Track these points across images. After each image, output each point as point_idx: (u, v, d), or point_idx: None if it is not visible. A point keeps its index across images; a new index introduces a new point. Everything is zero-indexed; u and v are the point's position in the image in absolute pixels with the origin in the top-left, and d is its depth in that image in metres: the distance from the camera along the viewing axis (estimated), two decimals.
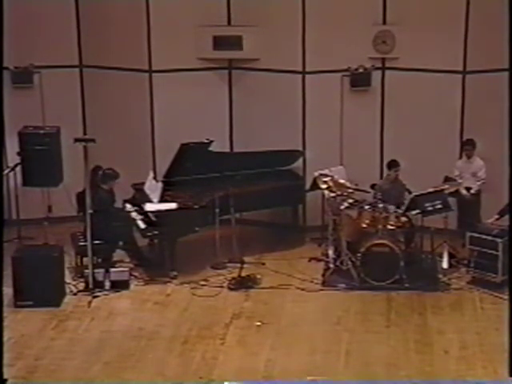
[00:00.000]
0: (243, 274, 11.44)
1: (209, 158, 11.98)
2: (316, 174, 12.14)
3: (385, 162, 12.39)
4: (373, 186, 12.07)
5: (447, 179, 11.95)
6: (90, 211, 10.92)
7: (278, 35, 12.65)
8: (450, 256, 11.75)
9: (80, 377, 9.07)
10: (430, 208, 11.27)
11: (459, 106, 12.47)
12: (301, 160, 12.91)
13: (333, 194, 11.67)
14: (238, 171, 11.98)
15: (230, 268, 11.76)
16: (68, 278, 11.32)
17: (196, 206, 11.54)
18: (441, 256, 11.69)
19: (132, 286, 11.27)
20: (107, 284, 11.09)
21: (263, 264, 11.94)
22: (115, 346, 9.73)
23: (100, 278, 11.08)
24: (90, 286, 11.04)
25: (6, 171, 12.29)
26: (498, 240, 10.91)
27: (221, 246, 11.88)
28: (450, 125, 12.53)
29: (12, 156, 12.26)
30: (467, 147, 12.14)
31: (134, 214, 11.80)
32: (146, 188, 11.87)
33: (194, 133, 12.04)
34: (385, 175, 12.34)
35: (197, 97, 12.90)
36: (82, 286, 11.16)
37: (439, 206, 11.34)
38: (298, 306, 10.74)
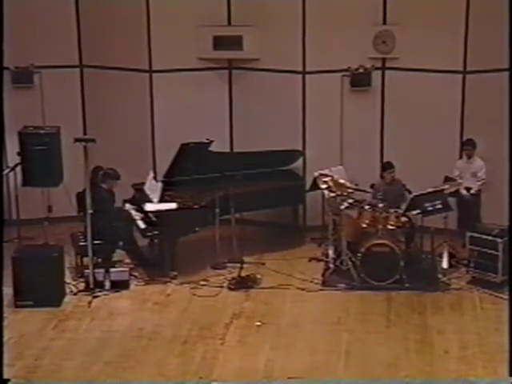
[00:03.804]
0: (243, 274, 11.45)
1: (209, 157, 11.98)
2: (316, 174, 12.14)
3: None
4: (372, 186, 12.08)
5: (447, 179, 11.94)
6: (90, 211, 10.93)
7: (278, 35, 12.65)
8: (450, 256, 11.74)
9: (80, 377, 9.08)
10: (430, 208, 11.26)
11: (459, 106, 12.46)
12: (301, 160, 12.92)
13: (333, 194, 11.67)
14: (237, 171, 11.97)
15: (230, 268, 11.75)
16: (68, 278, 11.32)
17: (196, 206, 11.54)
18: (441, 256, 11.68)
19: (132, 286, 11.27)
20: (107, 284, 11.09)
21: (263, 264, 11.94)
22: (115, 346, 9.73)
23: (100, 277, 11.08)
24: (90, 286, 11.05)
25: (5, 171, 12.28)
26: (498, 240, 10.91)
27: (221, 246, 11.88)
28: (450, 125, 12.53)
29: (12, 156, 12.25)
30: (467, 147, 12.13)
31: (134, 214, 11.80)
32: (146, 188, 11.87)
33: (194, 133, 12.04)
34: (383, 176, 12.32)
35: (197, 97, 12.90)
36: (82, 286, 11.16)
37: (439, 206, 11.33)
38: (298, 306, 10.74)
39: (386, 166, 11.99)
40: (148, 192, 11.80)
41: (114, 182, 11.66)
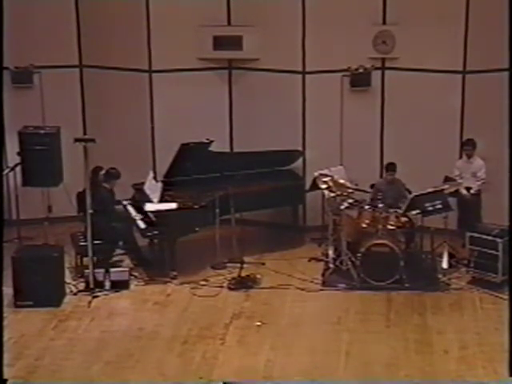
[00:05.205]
0: (243, 274, 11.45)
1: (209, 157, 11.99)
2: (316, 174, 12.14)
3: (385, 162, 12.39)
4: (372, 186, 12.08)
5: (447, 179, 11.94)
6: (90, 211, 10.93)
7: (278, 35, 12.65)
8: (450, 256, 11.74)
9: (80, 377, 9.08)
10: (430, 208, 11.26)
11: (459, 106, 12.46)
12: (301, 160, 12.92)
13: (333, 194, 11.67)
14: (238, 171, 11.97)
15: (230, 268, 11.75)
16: (68, 278, 11.32)
17: (196, 206, 11.54)
18: (441, 256, 11.69)
19: (132, 286, 11.27)
20: (107, 284, 11.09)
21: (263, 264, 11.94)
22: (115, 346, 9.73)
23: (100, 277, 11.08)
24: (90, 286, 11.05)
25: (5, 171, 12.29)
26: (498, 240, 10.91)
27: (221, 246, 11.88)
28: (450, 125, 12.53)
29: (12, 156, 12.26)
30: (467, 147, 12.13)
31: (133, 214, 11.80)
32: (146, 188, 11.87)
33: (194, 133, 12.04)
34: (384, 175, 12.34)
35: (197, 97, 12.90)
36: (82, 286, 11.16)
37: (439, 206, 11.33)
38: (298, 306, 10.74)
39: (389, 167, 11.95)
40: (148, 192, 11.80)
41: (115, 182, 11.67)
